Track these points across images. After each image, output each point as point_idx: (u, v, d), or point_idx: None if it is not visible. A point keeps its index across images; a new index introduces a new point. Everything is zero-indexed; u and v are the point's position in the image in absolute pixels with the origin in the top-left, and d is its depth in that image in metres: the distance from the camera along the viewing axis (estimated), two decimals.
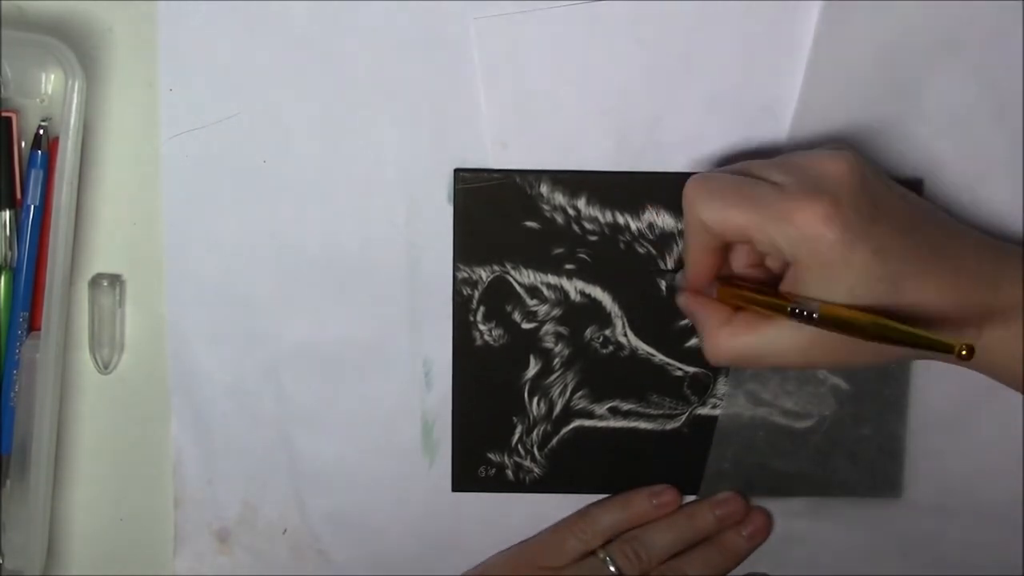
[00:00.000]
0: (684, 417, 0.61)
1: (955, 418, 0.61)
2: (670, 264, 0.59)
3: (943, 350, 0.47)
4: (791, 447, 0.61)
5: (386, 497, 0.62)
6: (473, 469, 0.61)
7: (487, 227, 0.59)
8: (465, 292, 0.60)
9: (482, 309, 0.60)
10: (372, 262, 0.60)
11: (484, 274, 0.59)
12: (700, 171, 0.57)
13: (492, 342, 0.60)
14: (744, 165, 0.53)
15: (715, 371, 0.60)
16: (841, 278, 0.49)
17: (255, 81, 0.58)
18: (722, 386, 0.60)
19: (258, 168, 0.59)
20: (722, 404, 0.60)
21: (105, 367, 0.60)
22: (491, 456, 0.61)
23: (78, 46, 0.57)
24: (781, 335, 0.52)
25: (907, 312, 0.50)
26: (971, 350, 0.46)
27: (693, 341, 0.60)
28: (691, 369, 0.60)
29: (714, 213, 0.51)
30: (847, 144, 0.54)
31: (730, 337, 0.53)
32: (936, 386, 0.61)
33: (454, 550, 0.62)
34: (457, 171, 0.59)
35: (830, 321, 0.49)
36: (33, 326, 0.58)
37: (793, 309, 0.50)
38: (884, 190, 0.52)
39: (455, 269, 0.59)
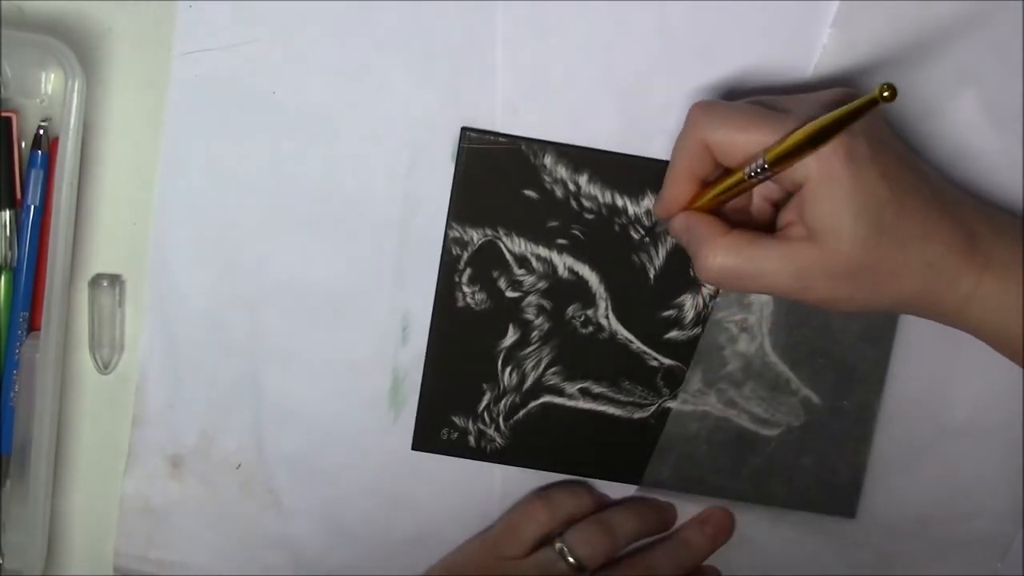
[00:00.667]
0: (653, 408, 0.61)
1: (919, 446, 0.61)
2: (660, 256, 0.59)
3: (870, 104, 0.46)
4: (754, 453, 0.61)
5: (345, 446, 0.61)
6: (436, 430, 0.61)
7: (486, 190, 0.59)
8: (454, 251, 0.59)
9: (468, 271, 0.60)
10: (366, 207, 0.59)
11: (476, 236, 0.59)
12: None
13: (474, 305, 0.60)
14: (750, 99, 0.54)
15: (689, 366, 0.60)
16: (849, 197, 0.49)
17: (277, 9, 0.58)
18: (696, 383, 0.60)
19: (267, 97, 0.58)
20: (692, 400, 0.60)
21: (105, 367, 0.60)
22: (455, 419, 0.61)
23: (78, 46, 0.56)
24: (779, 254, 0.51)
25: (911, 245, 0.50)
26: (892, 89, 0.45)
27: (673, 333, 0.60)
28: (667, 361, 0.60)
29: (723, 136, 0.51)
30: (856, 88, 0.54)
31: (727, 251, 0.52)
32: (904, 413, 0.61)
33: (406, 508, 0.62)
34: (464, 130, 0.59)
35: (777, 159, 0.49)
36: (33, 326, 0.58)
37: (748, 173, 0.50)
38: (889, 129, 0.53)
39: (447, 227, 0.59)
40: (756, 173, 0.50)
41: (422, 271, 0.60)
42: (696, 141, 0.52)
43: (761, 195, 0.55)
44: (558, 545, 0.59)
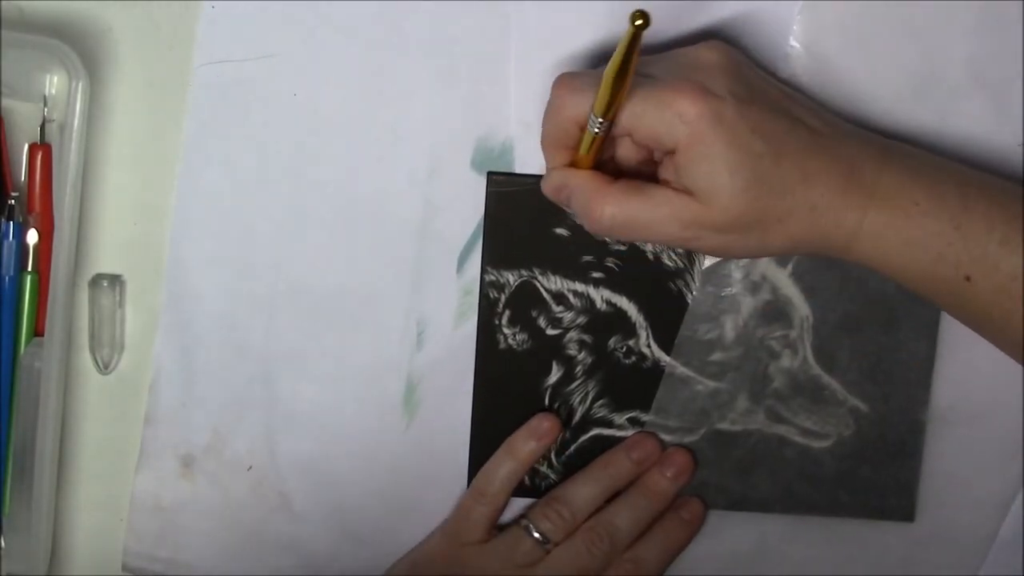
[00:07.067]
0: (703, 431, 0.61)
1: (973, 444, 0.61)
2: (696, 280, 0.60)
3: (635, 36, 0.47)
4: (808, 466, 0.61)
5: (358, 450, 0.61)
6: None
7: (517, 231, 0.59)
8: (492, 295, 0.59)
9: (507, 313, 0.60)
10: (385, 212, 0.59)
11: (511, 278, 0.59)
12: None
13: (516, 346, 0.60)
14: None
15: (736, 386, 0.60)
16: (722, 156, 0.50)
17: (301, 12, 0.58)
18: (743, 402, 0.60)
19: (288, 99, 0.58)
20: (741, 419, 0.61)
21: (105, 367, 0.60)
22: None
23: (77, 46, 0.56)
24: (667, 201, 0.51)
25: (793, 191, 0.50)
26: (644, 16, 0.46)
27: (715, 355, 0.60)
28: (712, 384, 0.60)
29: (585, 106, 0.51)
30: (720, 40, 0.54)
31: (616, 201, 0.52)
32: (954, 412, 0.61)
33: (416, 514, 0.62)
34: (490, 174, 0.59)
35: (603, 108, 0.50)
36: (36, 331, 0.58)
37: (591, 129, 0.51)
38: (758, 77, 0.53)
39: (483, 271, 0.59)
40: (597, 127, 0.51)
41: (439, 278, 0.60)
42: (561, 117, 0.53)
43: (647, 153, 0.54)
44: (523, 522, 0.59)
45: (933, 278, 0.52)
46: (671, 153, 0.51)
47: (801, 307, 0.60)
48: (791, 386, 0.60)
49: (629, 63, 0.48)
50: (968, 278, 0.51)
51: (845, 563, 0.63)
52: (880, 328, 0.60)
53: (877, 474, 0.61)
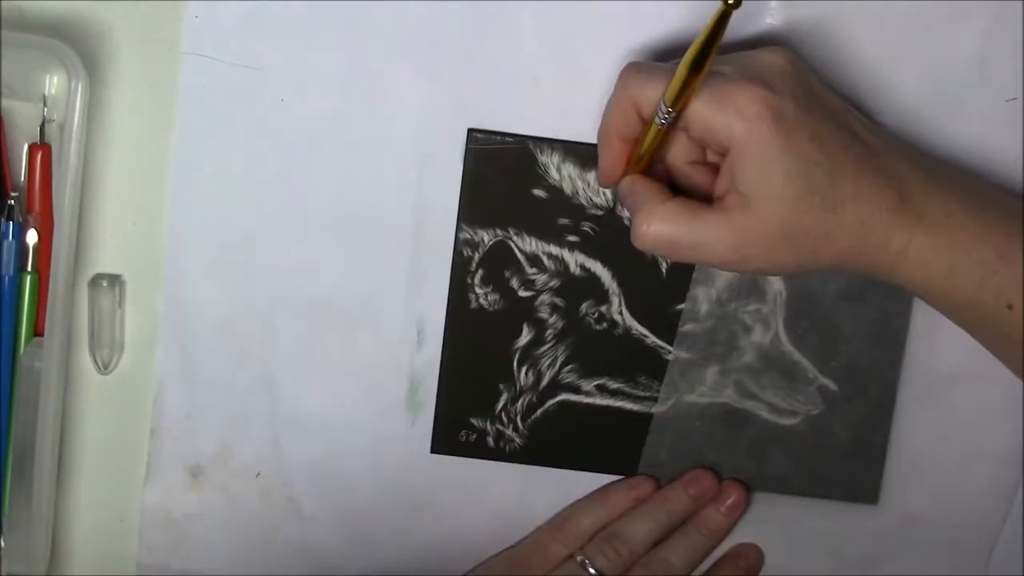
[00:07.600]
0: (671, 402, 0.61)
1: (940, 430, 0.61)
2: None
3: (724, 15, 0.46)
4: (773, 443, 0.61)
5: (364, 452, 0.61)
6: (454, 432, 0.61)
7: (495, 190, 0.59)
8: (465, 253, 0.59)
9: (480, 272, 0.59)
10: (379, 214, 0.59)
11: (486, 237, 0.59)
12: None
13: (487, 306, 0.60)
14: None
15: (706, 359, 0.60)
16: (778, 162, 0.49)
17: (286, 17, 0.58)
18: (712, 375, 0.60)
19: (275, 105, 0.58)
20: (709, 392, 0.60)
21: (105, 367, 0.60)
22: (473, 421, 0.61)
23: (77, 46, 0.56)
24: (716, 224, 0.51)
25: (844, 205, 0.50)
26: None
27: (688, 326, 0.60)
28: (683, 355, 0.60)
29: (650, 93, 0.51)
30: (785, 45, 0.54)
31: (664, 219, 0.51)
32: (923, 398, 0.61)
33: (427, 512, 0.62)
34: (471, 131, 0.59)
35: (674, 97, 0.49)
36: (36, 331, 0.58)
37: (657, 120, 0.50)
38: (820, 86, 0.52)
39: (458, 229, 0.59)
40: (664, 118, 0.50)
41: (436, 275, 0.60)
42: (625, 101, 0.52)
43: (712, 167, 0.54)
44: (579, 557, 0.59)
45: (974, 304, 0.52)
46: (724, 154, 0.51)
47: (775, 282, 0.60)
48: (761, 361, 0.60)
49: (711, 48, 0.47)
50: (1010, 306, 0.51)
51: (806, 544, 0.62)
52: (852, 305, 0.59)
53: (843, 454, 0.61)
